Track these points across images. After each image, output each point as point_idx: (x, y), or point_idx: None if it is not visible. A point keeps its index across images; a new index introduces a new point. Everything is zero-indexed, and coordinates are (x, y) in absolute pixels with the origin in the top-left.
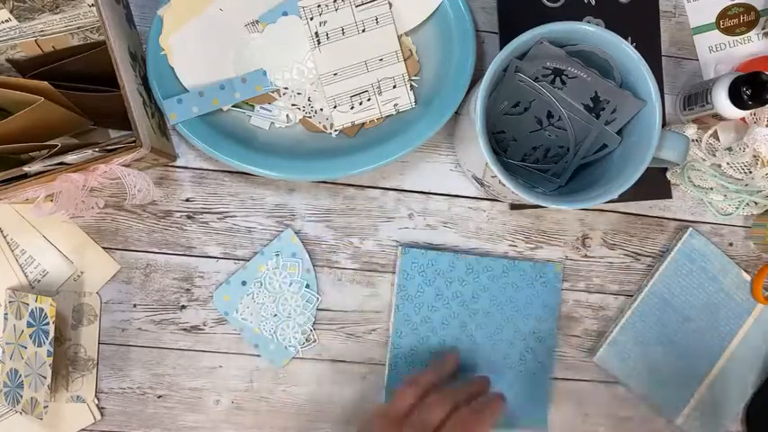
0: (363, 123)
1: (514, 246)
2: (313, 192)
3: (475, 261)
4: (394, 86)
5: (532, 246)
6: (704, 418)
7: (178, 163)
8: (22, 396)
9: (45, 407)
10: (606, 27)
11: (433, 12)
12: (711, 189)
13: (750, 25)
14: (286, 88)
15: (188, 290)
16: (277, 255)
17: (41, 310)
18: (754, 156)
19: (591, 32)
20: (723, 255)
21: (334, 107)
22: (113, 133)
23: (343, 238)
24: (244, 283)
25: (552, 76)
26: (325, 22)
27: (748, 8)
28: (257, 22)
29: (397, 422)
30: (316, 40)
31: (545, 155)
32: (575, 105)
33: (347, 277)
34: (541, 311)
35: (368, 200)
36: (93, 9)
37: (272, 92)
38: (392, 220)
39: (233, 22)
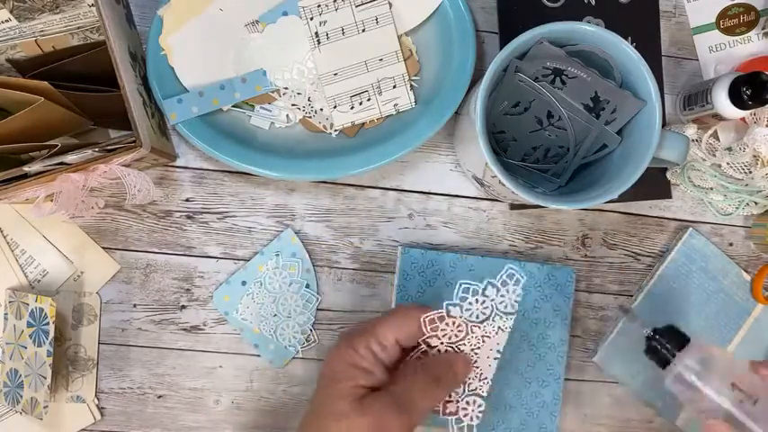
0: (363, 123)
1: (514, 246)
2: (313, 192)
3: (477, 261)
4: (394, 86)
5: (532, 246)
6: None
7: (178, 163)
8: (22, 396)
9: (45, 407)
10: (606, 27)
11: (433, 12)
12: (711, 189)
13: (750, 25)
14: (286, 88)
15: (188, 290)
16: (277, 255)
17: (41, 310)
18: (754, 156)
19: (591, 32)
20: (723, 255)
21: (334, 107)
22: (113, 133)
23: (343, 238)
24: (244, 283)
25: (552, 76)
26: (325, 22)
27: (748, 8)
28: (257, 22)
29: None
30: (316, 40)
31: (545, 155)
32: (575, 105)
33: (347, 277)
34: (551, 316)
35: (368, 200)
36: (93, 9)
37: (272, 92)
38: (392, 220)
39: (233, 22)
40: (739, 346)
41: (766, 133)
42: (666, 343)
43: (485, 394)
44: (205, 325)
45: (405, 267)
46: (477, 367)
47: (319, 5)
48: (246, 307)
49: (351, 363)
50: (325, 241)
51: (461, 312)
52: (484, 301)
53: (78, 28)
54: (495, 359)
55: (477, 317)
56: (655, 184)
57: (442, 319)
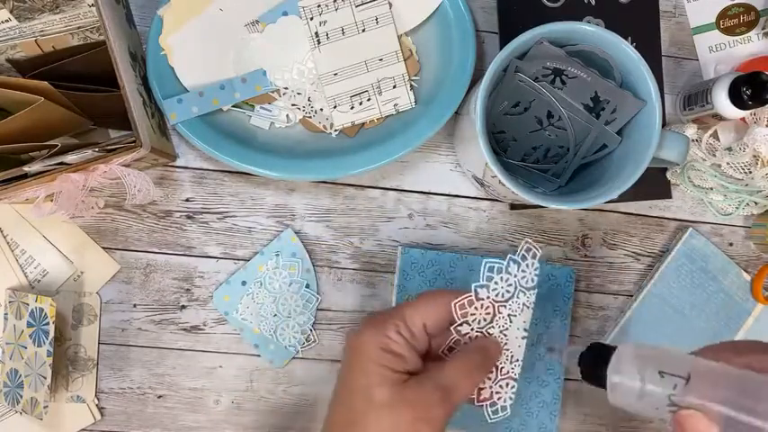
0: (363, 123)
1: (514, 246)
2: (313, 192)
3: (477, 261)
4: (394, 86)
5: None
6: None
7: (178, 163)
8: (22, 396)
9: (45, 407)
10: (606, 27)
11: (433, 12)
12: (711, 189)
13: (750, 25)
14: (286, 88)
15: (188, 290)
16: (277, 255)
17: (41, 310)
18: (754, 156)
19: (591, 32)
20: (723, 255)
21: (334, 107)
22: (113, 133)
23: (343, 238)
24: (244, 283)
25: (552, 76)
26: (325, 22)
27: (748, 8)
28: (257, 22)
29: None
30: (316, 40)
31: (545, 155)
32: (575, 105)
33: (347, 277)
34: (551, 316)
35: (368, 200)
36: (93, 9)
37: (272, 92)
38: (392, 220)
39: (233, 22)
40: None
41: (766, 133)
42: (595, 362)
43: (517, 377)
44: (205, 325)
45: (405, 267)
46: (508, 349)
47: (319, 5)
48: (246, 307)
49: (382, 347)
50: (325, 241)
51: (488, 293)
52: (508, 279)
53: (78, 28)
54: (523, 338)
55: (503, 296)
56: (655, 184)
57: (471, 303)
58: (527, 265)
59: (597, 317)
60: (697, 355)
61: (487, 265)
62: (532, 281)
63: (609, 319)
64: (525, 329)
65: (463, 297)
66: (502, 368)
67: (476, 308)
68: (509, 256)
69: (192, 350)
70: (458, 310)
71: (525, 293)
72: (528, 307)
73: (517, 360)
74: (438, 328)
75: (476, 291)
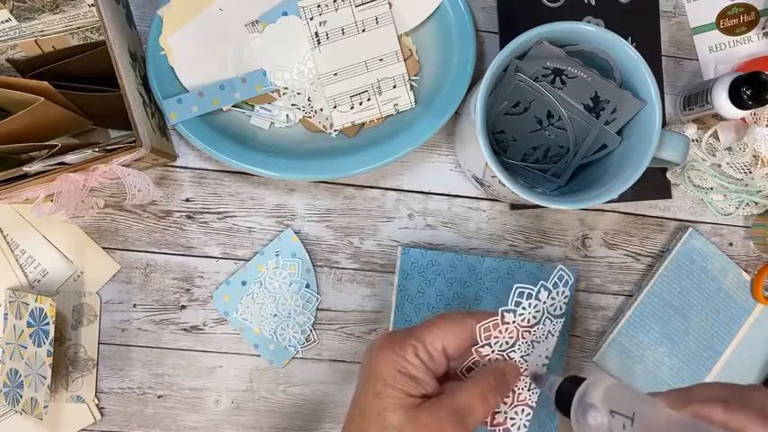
0: (363, 123)
1: (514, 246)
2: (313, 192)
3: (477, 261)
4: (394, 86)
5: (532, 246)
6: None
7: (178, 163)
8: (22, 396)
9: (45, 407)
10: (606, 27)
11: (433, 12)
12: (711, 189)
13: (750, 25)
14: (286, 88)
15: (188, 290)
16: (277, 255)
17: (41, 310)
18: (754, 156)
19: (591, 32)
20: (723, 255)
21: (334, 107)
22: (113, 133)
23: (343, 238)
24: (244, 283)
25: (552, 76)
26: (325, 22)
27: (748, 8)
28: (257, 22)
29: None
30: (316, 40)
31: (545, 155)
32: (575, 105)
33: (347, 277)
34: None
35: (368, 200)
36: (93, 9)
37: (272, 92)
38: (392, 220)
39: (233, 22)
40: (739, 345)
41: (766, 133)
42: (567, 394)
43: (534, 405)
44: (205, 325)
45: (405, 267)
46: (527, 376)
47: (319, 5)
48: (246, 307)
49: (399, 370)
50: (326, 241)
51: (515, 317)
52: (536, 305)
53: (78, 28)
54: (543, 366)
55: (528, 321)
56: (655, 184)
57: (495, 326)
58: (557, 293)
59: (597, 317)
60: (660, 398)
61: (518, 290)
62: (560, 309)
63: (609, 319)
64: (547, 357)
65: (489, 321)
66: (519, 394)
67: (500, 331)
68: (540, 282)
69: (192, 350)
70: (482, 332)
71: (552, 321)
72: (552, 335)
73: (536, 388)
74: (458, 351)
75: (502, 314)
